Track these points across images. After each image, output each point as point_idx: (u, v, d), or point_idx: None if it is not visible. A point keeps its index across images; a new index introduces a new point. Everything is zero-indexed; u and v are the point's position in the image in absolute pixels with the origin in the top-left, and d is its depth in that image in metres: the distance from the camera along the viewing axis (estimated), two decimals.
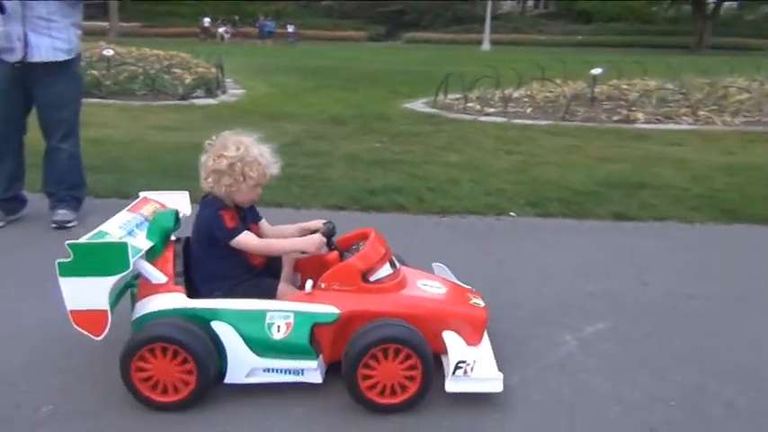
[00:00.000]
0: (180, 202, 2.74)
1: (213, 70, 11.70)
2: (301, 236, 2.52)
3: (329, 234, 2.46)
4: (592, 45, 35.56)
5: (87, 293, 2.18)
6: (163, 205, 2.66)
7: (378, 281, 2.37)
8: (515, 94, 10.51)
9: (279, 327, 2.27)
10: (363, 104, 10.22)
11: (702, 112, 8.90)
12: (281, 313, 2.28)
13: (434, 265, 2.82)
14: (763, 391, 2.41)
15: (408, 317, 2.28)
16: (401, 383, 2.21)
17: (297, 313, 2.28)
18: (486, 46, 33.88)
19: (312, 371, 2.28)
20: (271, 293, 2.39)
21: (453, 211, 4.64)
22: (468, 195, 4.99)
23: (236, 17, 42.08)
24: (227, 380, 2.27)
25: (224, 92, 11.11)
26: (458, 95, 10.29)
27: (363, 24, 45.94)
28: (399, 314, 2.28)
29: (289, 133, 7.33)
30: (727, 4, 38.48)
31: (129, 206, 2.57)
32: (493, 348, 2.40)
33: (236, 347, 2.26)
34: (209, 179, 2.38)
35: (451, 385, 2.23)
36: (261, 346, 2.26)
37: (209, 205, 2.42)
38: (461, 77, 10.27)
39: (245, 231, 2.41)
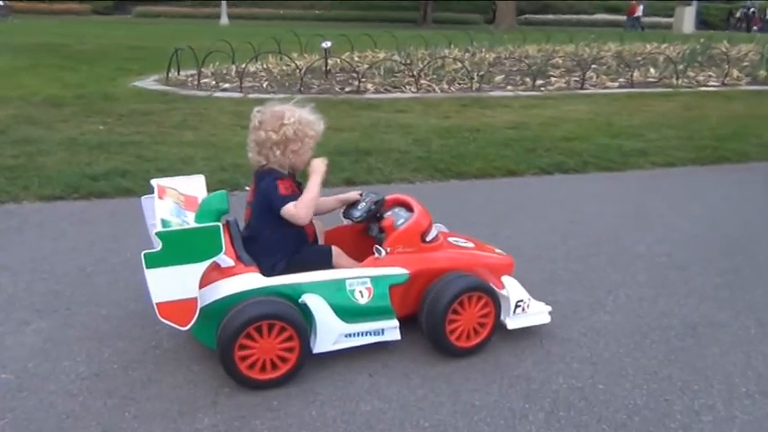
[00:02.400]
0: (195, 186, 2.70)
1: None
2: (342, 207, 2.73)
3: (379, 204, 2.64)
4: (329, 20, 36.65)
5: (178, 283, 2.13)
6: (180, 192, 2.58)
7: (432, 240, 2.58)
8: (252, 69, 10.44)
9: (361, 292, 2.41)
10: (86, 84, 9.35)
11: (424, 81, 9.68)
12: (360, 279, 2.41)
13: (435, 225, 2.72)
14: None
15: (467, 268, 2.56)
16: (477, 327, 2.48)
17: (373, 278, 2.43)
18: (224, 20, 32.98)
19: (392, 329, 2.44)
20: (329, 261, 2.50)
21: None
22: (201, 173, 4.81)
23: None
24: (316, 350, 2.31)
25: None
26: (192, 71, 9.92)
27: None
28: (459, 267, 2.55)
29: None
30: None
31: (151, 196, 2.49)
32: None
33: (326, 317, 2.32)
34: (276, 151, 2.46)
35: (513, 323, 2.56)
36: (348, 312, 2.36)
37: (268, 174, 2.49)
38: (195, 52, 9.90)
39: (293, 201, 2.44)
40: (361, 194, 2.73)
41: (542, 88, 9.76)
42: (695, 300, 3.01)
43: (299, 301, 2.32)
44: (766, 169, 5.63)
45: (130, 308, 2.82)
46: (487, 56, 12.87)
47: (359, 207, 2.68)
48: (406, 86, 9.45)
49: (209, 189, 4.43)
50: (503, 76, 10.60)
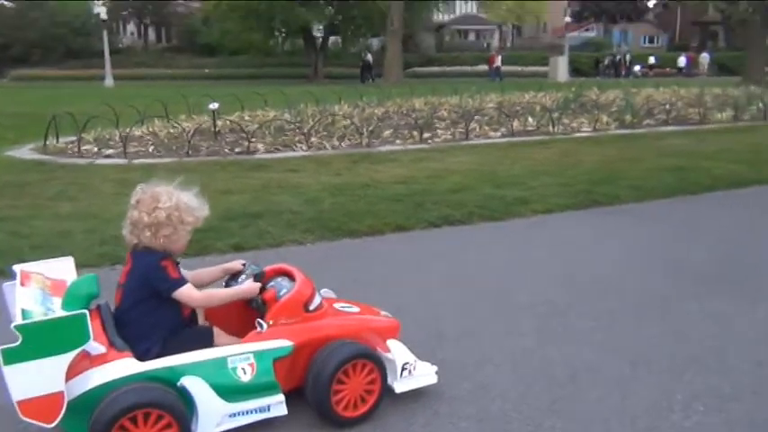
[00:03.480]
0: (63, 269, 2.58)
1: None
2: (225, 277, 2.67)
3: (260, 277, 2.57)
4: (219, 78, 36.47)
5: (40, 377, 2.01)
6: (46, 276, 2.46)
7: (316, 308, 2.56)
8: (137, 133, 10.17)
9: (244, 369, 2.33)
10: None
11: (315, 139, 9.78)
12: (242, 356, 2.34)
13: (322, 290, 2.74)
14: None
15: (353, 335, 2.54)
16: (363, 395, 2.45)
17: (256, 353, 2.37)
18: (109, 81, 32.12)
19: (278, 404, 2.37)
20: (209, 342, 2.43)
21: None
22: (80, 247, 4.63)
23: None
24: None
25: None
26: (73, 138, 9.53)
27: None
28: (345, 334, 2.52)
29: None
30: (332, 38, 43.13)
31: (14, 282, 2.36)
32: None
33: (207, 399, 2.24)
34: (147, 233, 2.37)
35: (400, 386, 2.56)
36: (231, 391, 2.28)
37: (148, 256, 2.39)
38: (75, 118, 9.54)
39: (188, 283, 2.42)
40: (244, 264, 2.69)
41: (429, 141, 10.11)
42: (574, 345, 3.15)
43: (178, 384, 2.23)
44: (634, 209, 6.06)
45: None
46: (376, 111, 13.21)
47: (239, 279, 2.63)
48: (297, 145, 9.51)
49: (90, 263, 4.29)
50: (391, 130, 10.89)
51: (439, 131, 10.89)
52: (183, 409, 2.18)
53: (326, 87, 24.75)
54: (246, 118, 12.15)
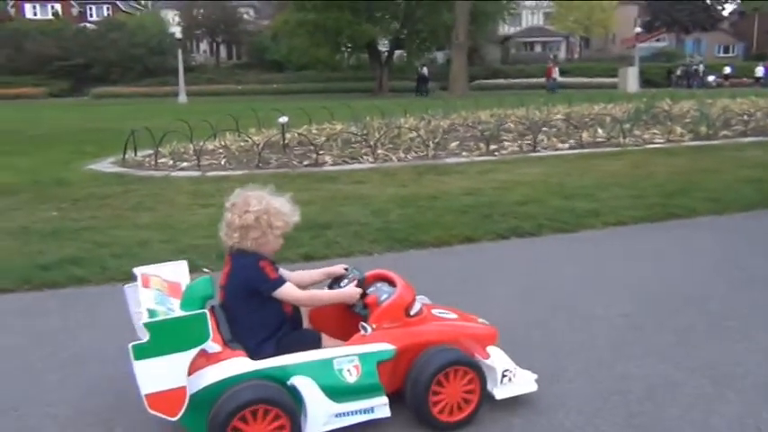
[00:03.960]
0: (178, 272, 2.73)
1: None
2: (327, 280, 2.76)
3: (361, 282, 2.64)
4: (287, 93, 37.39)
5: (166, 373, 2.13)
6: (163, 279, 2.61)
7: (416, 314, 2.61)
8: (209, 146, 10.51)
9: (349, 371, 2.41)
10: (39, 169, 9.28)
11: (381, 151, 9.86)
12: (347, 358, 2.41)
13: (419, 297, 2.76)
14: None
15: (452, 341, 2.59)
16: (461, 402, 2.48)
17: (360, 355, 2.43)
18: (182, 98, 33.37)
19: (382, 406, 2.42)
20: (318, 345, 2.50)
21: None
22: (158, 256, 4.79)
23: None
24: None
25: None
26: (150, 152, 9.93)
27: (43, 80, 42.06)
28: (444, 340, 2.58)
29: None
30: (397, 52, 43.54)
31: (134, 284, 2.55)
32: None
33: (315, 398, 2.32)
34: (236, 235, 2.47)
35: (500, 393, 2.56)
36: (337, 392, 2.36)
37: (245, 258, 2.49)
38: (152, 132, 9.94)
39: (288, 282, 2.52)
40: (346, 269, 2.77)
41: (496, 153, 10.02)
42: (653, 360, 3.04)
43: (288, 383, 2.31)
44: (712, 223, 5.82)
45: (82, 406, 2.72)
46: (442, 123, 13.21)
47: (342, 284, 2.70)
48: (364, 157, 9.61)
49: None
50: (457, 142, 10.86)
51: (506, 143, 10.79)
52: (295, 408, 2.27)
53: (391, 101, 24.95)
54: (314, 131, 12.37)
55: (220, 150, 10.44)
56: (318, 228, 5.57)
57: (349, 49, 41.56)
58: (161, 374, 2.13)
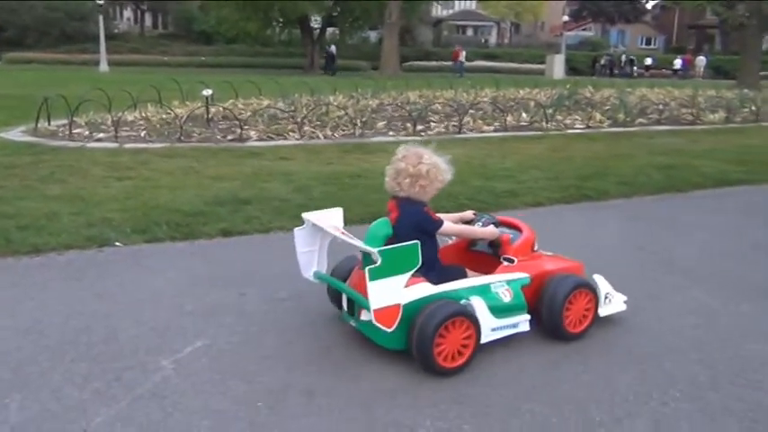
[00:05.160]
0: (336, 217, 3.15)
1: None
2: (460, 223, 3.29)
3: (497, 225, 3.28)
4: (215, 66, 36.37)
5: (389, 292, 2.59)
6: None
7: (537, 250, 3.26)
8: (129, 118, 10.13)
9: (503, 293, 2.95)
10: None
11: (307, 128, 9.77)
12: (500, 283, 2.97)
13: None
14: (340, 377, 2.74)
15: (565, 271, 3.19)
16: (581, 317, 3.09)
17: (509, 281, 3.00)
18: (103, 66, 31.98)
19: (525, 322, 3.00)
20: (464, 275, 3.00)
21: (49, 248, 4.26)
22: (67, 229, 4.62)
23: None
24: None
25: None
26: (64, 121, 9.48)
27: None
28: (560, 270, 3.17)
29: None
30: (330, 29, 43.03)
31: (302, 227, 3.11)
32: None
33: (484, 314, 2.84)
34: (407, 181, 2.90)
35: (603, 311, 3.22)
36: (497, 309, 2.90)
37: (413, 204, 2.94)
38: (68, 101, 9.49)
39: (445, 221, 3.02)
40: (475, 214, 3.39)
41: (422, 133, 10.11)
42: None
43: (462, 302, 2.82)
44: (622, 205, 6.09)
45: None
46: (371, 102, 13.20)
47: (480, 224, 3.28)
48: (290, 133, 9.50)
49: (77, 245, 4.30)
50: (385, 122, 10.89)
51: (432, 124, 10.90)
52: (477, 319, 2.78)
53: (322, 78, 24.73)
54: (240, 106, 12.14)
55: (141, 122, 10.09)
56: (239, 203, 5.49)
57: (280, 24, 40.76)
58: (386, 293, 2.58)
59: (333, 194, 5.94)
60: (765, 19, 30.27)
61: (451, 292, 2.83)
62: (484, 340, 2.81)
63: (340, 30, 42.96)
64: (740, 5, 30.16)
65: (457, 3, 59.53)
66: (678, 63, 44.30)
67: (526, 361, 2.88)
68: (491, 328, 2.87)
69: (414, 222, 2.91)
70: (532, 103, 13.06)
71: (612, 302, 3.29)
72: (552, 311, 3.00)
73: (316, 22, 41.07)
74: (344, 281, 3.07)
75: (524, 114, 12.05)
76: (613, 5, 57.01)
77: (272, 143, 8.95)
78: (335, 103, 12.29)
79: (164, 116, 10.44)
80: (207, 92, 10.07)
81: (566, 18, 46.34)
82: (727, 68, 41.16)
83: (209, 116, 10.21)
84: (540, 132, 10.68)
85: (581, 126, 11.57)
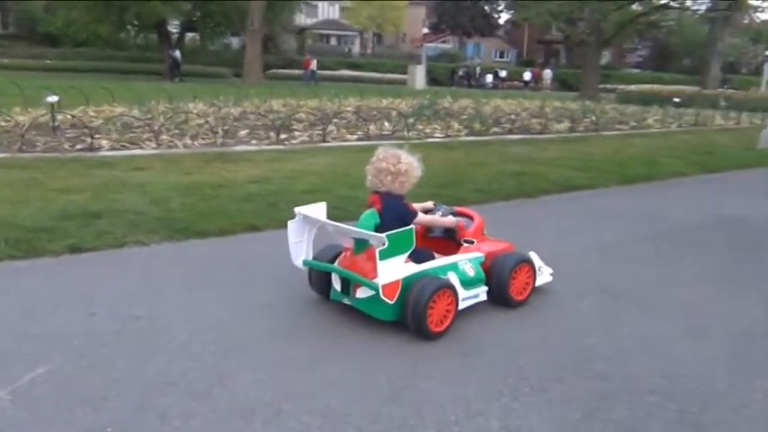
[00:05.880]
0: (321, 210, 3.59)
1: None
2: (424, 213, 3.83)
3: (455, 214, 3.93)
4: (62, 70, 33.93)
5: (393, 269, 3.13)
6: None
7: (486, 235, 3.92)
8: None
9: (467, 269, 3.52)
10: None
11: (165, 137, 9.38)
12: (464, 261, 3.54)
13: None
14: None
15: (507, 251, 3.83)
16: (524, 286, 3.76)
17: (470, 259, 3.59)
18: None
19: (484, 293, 3.62)
20: (433, 257, 3.53)
21: None
22: None
23: None
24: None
25: None
26: None
27: None
28: (504, 250, 3.82)
29: None
30: (189, 35, 41.65)
31: (295, 220, 3.55)
32: None
33: (458, 286, 3.41)
34: (388, 178, 3.39)
35: (537, 282, 3.87)
36: (466, 282, 3.49)
37: (394, 198, 3.43)
38: None
39: (419, 212, 3.59)
40: (435, 204, 4.00)
41: (286, 142, 10.05)
42: (417, 338, 3.26)
43: (441, 277, 3.36)
44: (477, 211, 6.37)
45: None
46: (233, 110, 12.93)
47: (439, 213, 3.90)
48: (146, 142, 9.07)
49: None
50: (247, 130, 10.71)
51: (296, 133, 10.87)
52: (457, 291, 3.37)
53: (182, 85, 23.88)
54: (91, 113, 11.44)
55: None
56: (89, 217, 5.16)
57: (135, 28, 38.81)
58: (391, 270, 3.12)
59: (193, 206, 5.75)
60: (603, 36, 33.13)
61: (433, 269, 3.38)
62: (460, 308, 3.39)
63: (200, 35, 41.71)
64: (581, 23, 32.79)
65: (321, 12, 59.86)
66: (527, 75, 47.38)
67: (384, 366, 2.94)
68: (462, 298, 3.43)
69: (396, 213, 3.41)
70: (395, 113, 13.39)
71: (543, 274, 3.98)
72: (500, 283, 3.61)
73: (174, 26, 39.60)
74: None
75: (387, 124, 12.32)
76: (469, 19, 59.88)
77: (126, 153, 8.49)
78: (195, 111, 11.91)
79: (2, 123, 9.60)
80: (52, 98, 9.37)
81: (425, 30, 47.95)
82: (571, 81, 44.51)
83: (56, 124, 9.52)
84: (401, 141, 10.94)
85: (440, 135, 12.01)
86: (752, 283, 4.45)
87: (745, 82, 43.69)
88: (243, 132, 10.47)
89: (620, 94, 30.07)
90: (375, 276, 3.12)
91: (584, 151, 11.05)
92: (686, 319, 3.69)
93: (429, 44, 48.65)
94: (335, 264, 3.50)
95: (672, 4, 35.41)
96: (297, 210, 3.55)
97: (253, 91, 18.26)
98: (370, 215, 3.42)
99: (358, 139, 10.83)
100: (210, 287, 3.88)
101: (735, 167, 10.44)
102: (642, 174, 8.99)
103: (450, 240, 3.82)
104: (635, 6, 33.17)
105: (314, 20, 59.08)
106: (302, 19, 55.65)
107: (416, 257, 3.35)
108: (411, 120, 12.56)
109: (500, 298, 3.64)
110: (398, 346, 3.15)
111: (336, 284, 3.49)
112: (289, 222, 3.55)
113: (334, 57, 48.06)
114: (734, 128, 18.42)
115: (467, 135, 12.33)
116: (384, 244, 3.04)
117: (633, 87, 32.16)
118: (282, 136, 10.29)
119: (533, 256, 3.95)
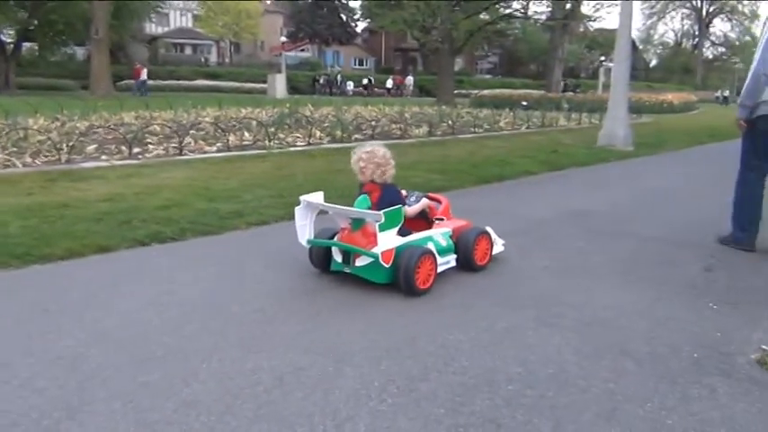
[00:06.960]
0: (320, 197, 4.35)
1: None
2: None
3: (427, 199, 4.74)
4: None
5: (389, 239, 4.03)
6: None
7: (450, 214, 4.84)
8: None
9: (441, 240, 4.39)
10: None
11: (1, 156, 8.61)
12: (438, 234, 4.41)
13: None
14: None
15: (468, 227, 4.68)
16: (485, 253, 4.66)
17: (442, 233, 4.46)
18: None
19: (453, 260, 4.50)
20: (411, 232, 4.32)
21: None
22: None
23: None
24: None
25: None
26: None
27: None
28: (466, 227, 4.69)
29: None
30: (27, 45, 38.65)
31: (301, 206, 4.32)
32: None
33: (437, 254, 4.24)
34: (379, 171, 4.23)
35: (494, 251, 4.80)
36: (441, 251, 4.33)
37: (389, 186, 4.29)
38: None
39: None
40: (407, 191, 4.66)
41: (140, 156, 9.57)
42: (282, 350, 3.20)
43: (424, 246, 4.16)
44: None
45: None
46: (79, 125, 12.13)
47: (412, 200, 4.59)
48: None
49: None
50: (96, 145, 10.08)
51: (151, 146, 10.38)
52: (437, 257, 4.21)
53: (19, 99, 22.08)
54: None
55: None
56: None
57: None
58: (387, 240, 3.98)
59: (34, 229, 5.30)
60: (455, 44, 34.60)
61: (417, 240, 4.20)
62: (438, 271, 4.20)
63: (39, 45, 38.82)
64: (434, 31, 34.05)
65: (172, 20, 57.76)
66: (390, 82, 48.62)
67: (251, 384, 2.86)
68: (438, 263, 4.20)
69: (389, 201, 4.14)
70: (255, 123, 13.17)
71: (498, 244, 4.86)
72: (466, 250, 4.47)
73: (8, 36, 36.56)
74: None
75: (247, 134, 12.09)
76: (327, 28, 60.32)
77: None
78: (36, 127, 11.04)
79: None
80: None
81: (283, 39, 47.78)
82: (429, 87, 46.16)
83: None
84: (263, 151, 10.81)
85: (302, 143, 11.98)
86: (597, 272, 4.80)
87: (586, 86, 47.80)
88: (91, 148, 9.85)
89: (474, 98, 31.58)
90: (374, 246, 3.91)
91: (442, 154, 11.46)
92: (538, 310, 3.91)
93: (288, 52, 48.48)
94: (335, 240, 4.22)
95: (516, 13, 37.76)
96: (301, 197, 4.28)
97: (101, 104, 17.25)
98: (363, 200, 4.22)
99: (218, 151, 10.56)
100: (53, 316, 3.58)
101: (577, 165, 11.29)
102: (496, 174, 9.47)
103: (422, 220, 4.66)
104: (483, 15, 34.92)
105: (166, 28, 56.94)
106: (153, 28, 53.45)
107: (402, 231, 4.20)
108: (272, 129, 12.41)
109: (466, 263, 4.50)
110: (258, 365, 3.08)
111: (337, 257, 4.23)
112: (295, 208, 4.26)
113: (190, 66, 46.56)
114: (576, 128, 19.93)
115: (329, 142, 12.39)
116: (381, 219, 3.82)
117: (486, 92, 33.91)
118: (135, 150, 9.80)
119: (489, 229, 4.77)
